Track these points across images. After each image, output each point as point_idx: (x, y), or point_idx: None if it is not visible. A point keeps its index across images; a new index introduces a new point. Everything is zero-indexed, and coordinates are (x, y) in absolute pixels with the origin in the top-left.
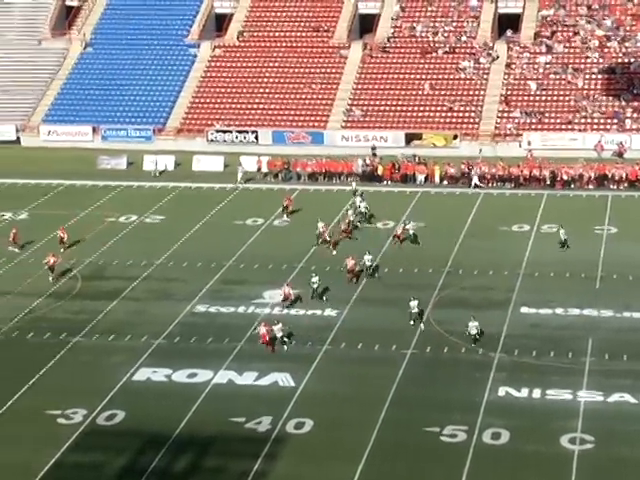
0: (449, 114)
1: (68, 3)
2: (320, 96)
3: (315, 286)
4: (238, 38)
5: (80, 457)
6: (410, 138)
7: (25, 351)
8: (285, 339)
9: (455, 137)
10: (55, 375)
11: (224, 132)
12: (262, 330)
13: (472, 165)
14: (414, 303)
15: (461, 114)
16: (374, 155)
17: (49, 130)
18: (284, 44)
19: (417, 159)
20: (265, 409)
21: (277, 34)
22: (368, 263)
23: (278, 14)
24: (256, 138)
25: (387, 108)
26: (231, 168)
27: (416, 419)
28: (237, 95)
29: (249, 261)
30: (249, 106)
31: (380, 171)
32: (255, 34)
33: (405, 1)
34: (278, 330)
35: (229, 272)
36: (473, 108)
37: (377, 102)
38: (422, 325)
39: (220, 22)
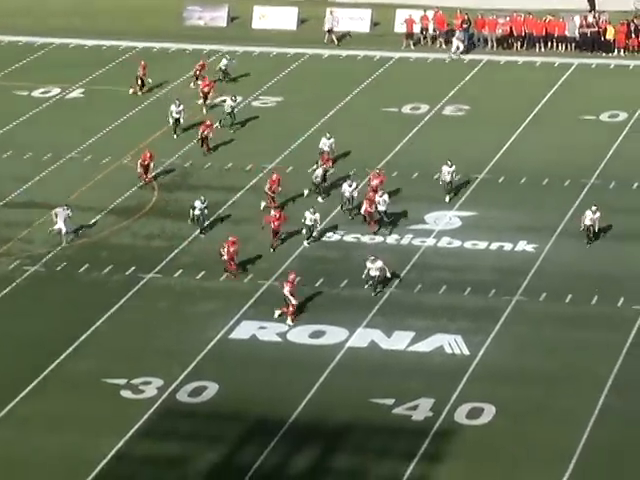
0: None
1: None
2: None
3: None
4: None
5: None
6: None
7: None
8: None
9: None
10: None
11: None
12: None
13: None
14: (377, 264)
15: None
16: (592, 10)
17: None
18: None
19: None
20: (424, 388)
21: None
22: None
23: None
24: None
25: None
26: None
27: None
28: None
29: (402, 169)
30: None
31: (610, 34)
32: None
33: None
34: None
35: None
36: None
37: None
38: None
39: None
